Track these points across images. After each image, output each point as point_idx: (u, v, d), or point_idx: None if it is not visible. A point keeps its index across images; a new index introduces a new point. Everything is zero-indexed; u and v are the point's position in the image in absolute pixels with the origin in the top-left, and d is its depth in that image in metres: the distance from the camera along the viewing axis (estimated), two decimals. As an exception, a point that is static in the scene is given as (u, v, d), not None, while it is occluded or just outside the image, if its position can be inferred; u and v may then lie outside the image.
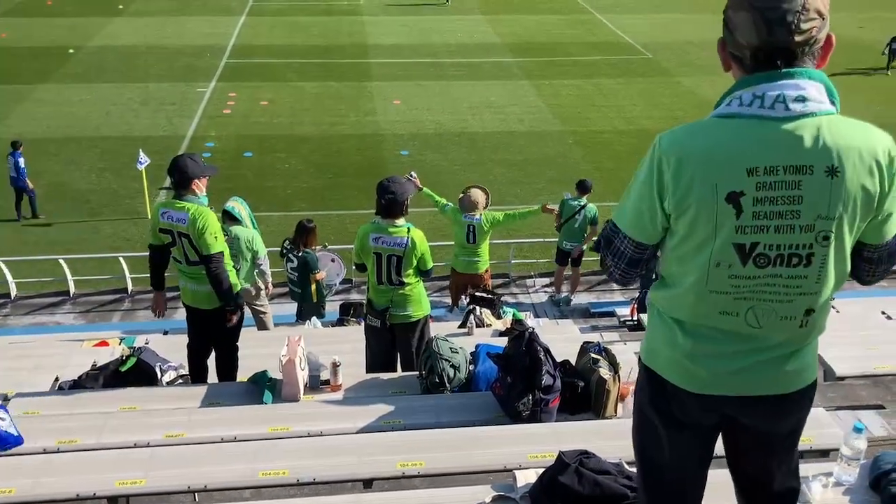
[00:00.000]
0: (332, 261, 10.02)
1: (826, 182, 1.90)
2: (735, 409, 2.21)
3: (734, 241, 1.96)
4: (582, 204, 10.46)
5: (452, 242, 9.81)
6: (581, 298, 11.14)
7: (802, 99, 1.90)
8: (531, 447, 3.92)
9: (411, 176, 7.60)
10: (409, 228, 5.43)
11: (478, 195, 8.71)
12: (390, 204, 5.37)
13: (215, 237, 5.20)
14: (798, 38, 1.88)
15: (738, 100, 1.96)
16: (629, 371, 4.59)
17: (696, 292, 2.07)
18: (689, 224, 1.99)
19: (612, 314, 9.77)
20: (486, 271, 9.20)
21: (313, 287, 8.67)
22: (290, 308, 9.31)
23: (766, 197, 1.91)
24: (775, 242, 1.95)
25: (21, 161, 13.97)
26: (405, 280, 5.49)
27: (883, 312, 7.06)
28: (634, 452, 2.50)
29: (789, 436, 2.33)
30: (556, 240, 11.17)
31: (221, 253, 5.26)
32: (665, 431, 2.31)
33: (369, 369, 5.71)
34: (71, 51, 25.08)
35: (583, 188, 10.52)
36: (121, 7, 30.97)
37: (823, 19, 1.90)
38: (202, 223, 5.13)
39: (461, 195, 8.83)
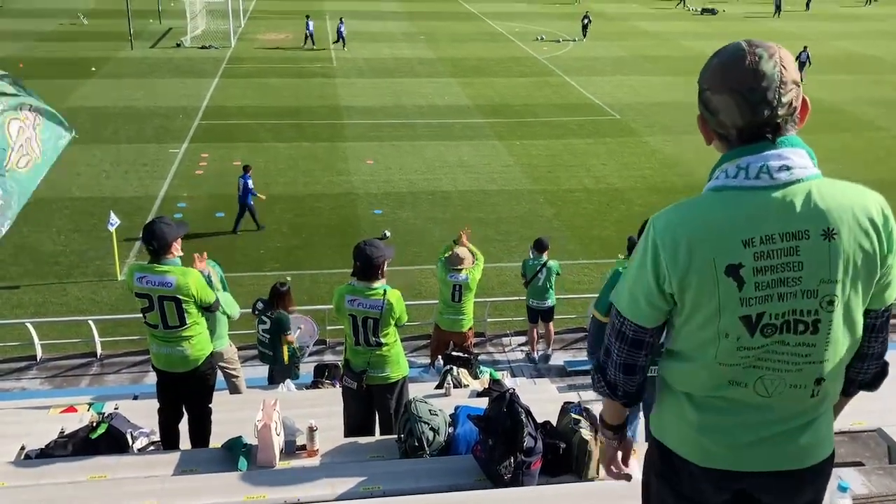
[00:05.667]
0: (300, 327, 9.93)
1: (824, 245, 1.91)
2: (749, 484, 2.16)
3: (741, 315, 1.95)
4: (543, 262, 10.56)
5: (427, 301, 9.79)
6: (557, 357, 11.13)
7: (787, 168, 1.92)
8: (514, 512, 3.86)
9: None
10: (385, 290, 5.41)
11: (464, 253, 8.77)
12: (366, 267, 5.37)
13: (207, 288, 5.37)
14: (781, 112, 1.92)
15: (724, 173, 1.99)
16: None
17: (706, 366, 2.05)
18: (693, 301, 1.98)
19: (588, 372, 9.74)
20: (470, 329, 9.20)
21: (285, 349, 8.56)
22: (262, 371, 9.14)
23: (766, 266, 1.91)
24: (780, 311, 1.94)
25: (250, 182, 16.01)
26: (383, 341, 5.45)
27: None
28: None
29: None
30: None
31: (217, 298, 5.48)
32: None
33: (347, 433, 5.62)
34: (42, 112, 25.01)
35: (540, 247, 10.66)
36: (93, 69, 31.08)
37: (798, 86, 1.95)
38: (195, 284, 5.24)
39: (448, 253, 8.88)
